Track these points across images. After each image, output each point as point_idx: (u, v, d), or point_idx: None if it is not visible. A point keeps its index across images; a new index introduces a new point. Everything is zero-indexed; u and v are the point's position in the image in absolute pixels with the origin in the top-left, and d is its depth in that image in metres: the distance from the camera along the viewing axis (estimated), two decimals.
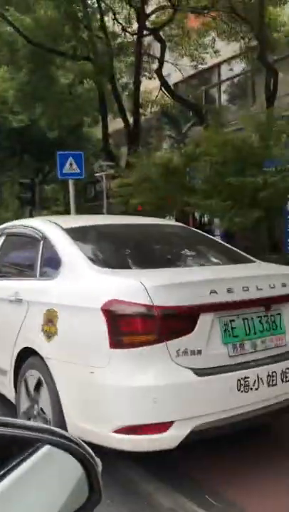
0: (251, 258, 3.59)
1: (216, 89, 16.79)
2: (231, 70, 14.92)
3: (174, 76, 15.91)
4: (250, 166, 7.97)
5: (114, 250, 3.35)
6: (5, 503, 0.68)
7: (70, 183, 11.82)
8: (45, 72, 13.35)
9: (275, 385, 2.70)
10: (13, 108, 17.73)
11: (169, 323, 2.47)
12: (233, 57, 14.04)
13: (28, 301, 3.06)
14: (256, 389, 2.61)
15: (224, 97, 16.45)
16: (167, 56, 14.22)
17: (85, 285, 2.78)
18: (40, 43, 12.47)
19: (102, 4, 13.34)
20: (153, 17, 13.90)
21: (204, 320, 2.55)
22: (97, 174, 13.72)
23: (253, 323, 2.76)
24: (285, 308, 2.93)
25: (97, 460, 0.76)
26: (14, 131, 20.02)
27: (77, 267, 2.88)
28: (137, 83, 13.36)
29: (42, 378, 2.78)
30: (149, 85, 15.47)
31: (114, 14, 13.87)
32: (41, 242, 3.24)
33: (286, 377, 2.77)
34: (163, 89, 14.56)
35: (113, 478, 2.55)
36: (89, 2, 12.88)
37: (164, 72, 14.15)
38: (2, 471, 0.70)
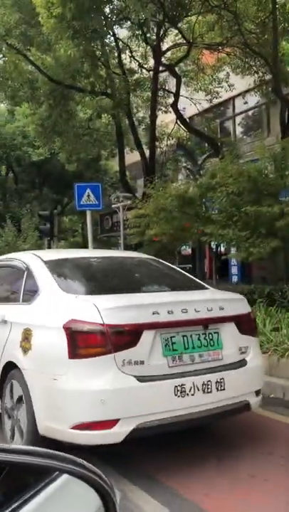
0: (205, 285, 4.12)
1: (230, 121, 17.05)
2: (246, 103, 15.15)
3: (189, 109, 16.26)
4: (266, 196, 8.00)
5: (82, 279, 3.86)
6: None
7: (88, 214, 12.00)
8: (65, 108, 13.77)
9: (210, 392, 3.17)
10: (34, 142, 18.28)
11: (117, 338, 2.95)
12: (247, 91, 14.29)
13: (11, 322, 3.59)
14: (192, 395, 3.09)
15: (239, 129, 16.69)
16: (183, 91, 14.56)
17: (53, 308, 3.33)
18: (59, 80, 12.93)
19: (120, 42, 13.83)
20: (169, 54, 14.33)
21: (147, 336, 3.03)
22: (114, 205, 13.90)
23: (192, 339, 3.23)
24: (223, 327, 3.41)
25: (116, 491, 0.75)
26: (34, 165, 20.60)
27: (49, 293, 3.45)
28: (153, 117, 13.67)
29: (17, 385, 3.31)
30: (165, 119, 15.81)
31: (131, 52, 14.34)
32: (25, 272, 3.81)
33: (221, 386, 3.22)
34: (179, 122, 14.85)
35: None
36: (107, 41, 13.36)
37: (180, 106, 14.47)
38: (20, 501, 0.69)
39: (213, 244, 10.55)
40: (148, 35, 13.29)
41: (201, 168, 12.94)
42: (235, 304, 3.69)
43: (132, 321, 3.02)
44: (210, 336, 3.32)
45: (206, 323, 3.31)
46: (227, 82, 14.25)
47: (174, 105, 13.88)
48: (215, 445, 3.60)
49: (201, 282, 4.27)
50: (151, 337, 3.05)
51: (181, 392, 3.06)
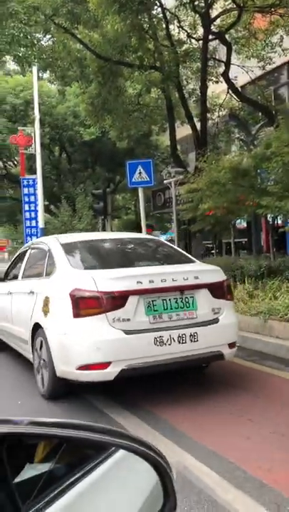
0: (193, 260, 4.96)
1: (285, 88, 16.30)
2: None
3: (241, 78, 15.67)
4: None
5: (88, 257, 4.88)
6: (82, 505, 0.70)
7: (140, 191, 12.01)
8: (114, 84, 13.70)
9: (185, 343, 4.02)
10: (85, 121, 18.40)
11: (108, 302, 3.86)
12: None
13: (36, 292, 4.62)
14: (169, 344, 3.96)
15: None
16: (234, 59, 14.04)
17: (63, 280, 4.25)
18: (108, 57, 12.85)
19: (167, 13, 13.48)
20: (218, 21, 13.81)
21: (132, 300, 3.93)
22: (166, 181, 13.79)
23: (170, 302, 4.11)
24: (198, 292, 4.24)
25: (171, 466, 0.76)
26: (86, 144, 20.78)
27: (62, 269, 4.42)
28: (204, 88, 13.30)
29: (44, 340, 4.27)
30: (216, 89, 15.35)
31: (179, 22, 13.96)
32: (47, 253, 4.82)
33: (194, 338, 4.06)
34: (230, 92, 14.39)
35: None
36: (154, 12, 13.06)
37: (231, 74, 13.97)
38: (78, 475, 0.72)
39: (269, 217, 10.24)
40: (196, 2, 12.84)
41: (255, 139, 12.51)
42: (210, 274, 4.52)
43: (120, 289, 3.92)
44: (186, 299, 4.19)
45: (182, 289, 4.17)
46: (281, 46, 13.58)
47: (225, 74, 13.43)
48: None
49: (191, 257, 5.10)
50: (136, 300, 3.95)
51: (160, 342, 3.94)
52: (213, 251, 17.49)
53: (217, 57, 14.86)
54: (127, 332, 3.88)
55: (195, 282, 4.25)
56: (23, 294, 5.03)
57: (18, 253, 6.39)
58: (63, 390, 4.23)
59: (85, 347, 3.88)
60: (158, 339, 3.94)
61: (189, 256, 5.17)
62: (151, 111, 16.92)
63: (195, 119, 13.97)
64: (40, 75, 19.32)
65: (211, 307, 4.30)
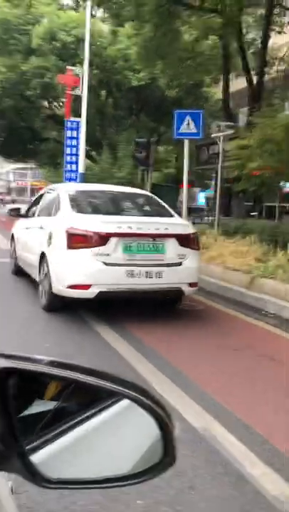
0: (173, 214, 5.89)
1: None
2: None
3: None
4: None
5: (86, 204, 5.84)
6: (78, 447, 0.74)
7: (186, 143, 11.56)
8: (170, 27, 12.96)
9: (152, 278, 5.09)
10: (134, 66, 17.70)
11: (94, 240, 4.95)
12: None
13: (44, 228, 5.77)
14: (138, 277, 5.04)
15: None
16: None
17: (64, 220, 5.32)
18: None
19: None
20: None
21: (112, 240, 4.99)
22: (215, 135, 13.21)
23: (143, 246, 5.14)
24: (167, 241, 5.24)
25: (175, 423, 0.76)
26: (133, 90, 20.10)
27: (64, 211, 5.51)
28: (266, 38, 12.43)
29: (46, 265, 5.43)
30: (279, 41, 14.35)
31: None
32: (57, 197, 5.89)
33: (159, 275, 5.10)
34: None
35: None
36: None
37: None
38: (80, 417, 0.74)
39: None
40: None
41: None
42: (179, 227, 5.59)
43: (104, 230, 5.00)
44: (156, 245, 5.21)
45: (154, 236, 5.19)
46: None
47: None
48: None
49: (172, 212, 5.96)
50: (115, 241, 5.01)
51: (130, 275, 5.02)
52: (253, 213, 16.97)
53: (284, 4, 13.78)
54: (106, 264, 5.01)
55: (165, 232, 5.31)
56: (36, 229, 6.24)
57: (37, 195, 7.59)
58: (59, 305, 5.37)
59: (73, 271, 5.06)
60: (129, 272, 5.04)
61: (171, 211, 6.03)
62: (206, 60, 16.06)
63: (252, 72, 13.17)
64: (93, 12, 18.55)
65: (177, 253, 5.31)
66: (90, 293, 4.97)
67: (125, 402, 0.74)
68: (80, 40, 18.53)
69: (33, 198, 7.74)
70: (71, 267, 5.03)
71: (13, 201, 45.86)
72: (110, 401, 0.75)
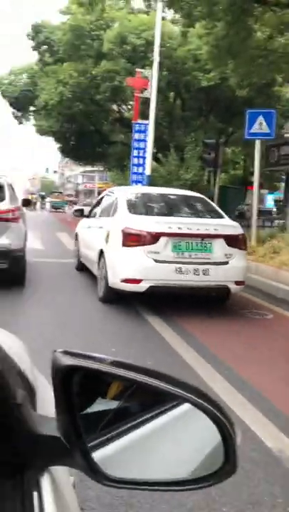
0: (223, 216, 6.26)
1: None
2: None
3: None
4: None
5: (141, 205, 6.28)
6: (138, 448, 0.75)
7: (257, 143, 11.20)
8: (243, 25, 12.61)
9: (198, 275, 5.47)
10: (205, 66, 17.47)
11: (146, 239, 5.40)
12: None
13: (103, 227, 6.31)
14: (186, 274, 5.45)
15: None
16: None
17: (120, 220, 5.78)
18: None
19: None
20: None
21: (162, 239, 5.44)
22: (288, 135, 12.69)
23: (192, 245, 5.53)
24: (215, 241, 5.59)
25: (238, 430, 0.73)
26: (202, 91, 19.86)
27: (121, 212, 5.98)
28: None
29: (103, 261, 5.95)
30: None
31: None
32: (115, 200, 6.43)
33: (206, 273, 5.46)
34: None
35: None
36: None
37: None
38: (142, 418, 0.75)
39: None
40: None
41: None
42: (227, 228, 5.88)
43: (155, 230, 5.47)
44: (204, 244, 5.58)
45: (202, 237, 5.57)
46: None
47: None
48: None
49: (222, 214, 6.34)
50: (165, 240, 5.47)
51: (179, 271, 5.45)
52: None
53: None
54: (156, 261, 5.46)
55: (214, 233, 5.68)
56: (96, 228, 6.81)
57: (99, 197, 8.27)
58: (114, 297, 5.87)
59: (126, 267, 5.54)
60: (178, 269, 5.47)
61: (221, 213, 6.43)
62: (279, 58, 15.46)
63: None
64: (164, 14, 18.55)
65: (224, 252, 5.66)
66: (141, 287, 5.50)
67: (186, 405, 0.74)
68: (149, 43, 18.61)
69: (95, 200, 8.67)
70: (125, 262, 5.57)
71: (74, 203, 47.23)
72: (171, 404, 0.76)
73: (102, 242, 6.12)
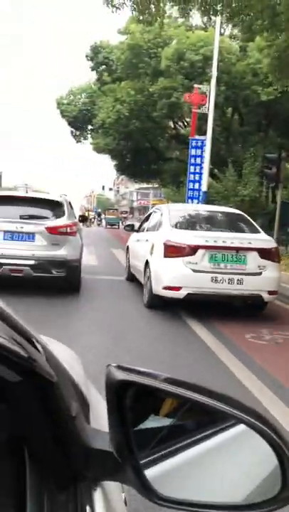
0: (258, 231, 6.81)
1: None
2: None
3: None
4: None
5: (182, 220, 6.81)
6: (192, 469, 0.73)
7: None
8: None
9: (233, 284, 6.02)
10: (264, 80, 17.00)
11: (184, 251, 5.99)
12: None
13: (149, 240, 6.84)
14: (221, 283, 6.02)
15: None
16: None
17: (163, 234, 6.37)
18: None
19: None
20: None
21: (200, 251, 6.02)
22: None
23: (227, 257, 6.10)
24: (249, 253, 6.14)
25: None
26: (262, 105, 19.35)
27: (165, 226, 6.56)
28: None
29: (148, 270, 6.52)
30: None
31: None
32: (161, 215, 6.95)
33: (240, 282, 6.02)
34: None
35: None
36: None
37: None
38: (195, 437, 0.74)
39: None
40: None
41: None
42: (261, 242, 6.33)
43: (193, 243, 5.99)
44: (239, 256, 6.05)
45: (237, 249, 6.04)
46: None
47: None
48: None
49: (258, 229, 6.88)
50: (203, 252, 5.99)
51: (215, 281, 5.94)
52: None
53: None
54: (194, 271, 6.00)
55: (247, 246, 6.15)
56: (144, 241, 7.36)
57: (147, 214, 8.86)
58: (158, 303, 6.44)
59: (168, 275, 6.08)
60: (214, 278, 6.00)
61: (257, 228, 6.95)
62: None
63: None
64: (222, 30, 18.34)
65: (257, 264, 6.14)
66: (180, 294, 6.06)
67: (242, 427, 0.71)
68: (207, 58, 18.41)
69: (144, 216, 9.50)
70: (166, 272, 6.14)
71: (125, 218, 49.13)
72: (226, 424, 0.74)
73: (148, 253, 6.76)
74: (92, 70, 26.35)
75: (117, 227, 44.48)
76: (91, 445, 0.72)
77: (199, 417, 0.75)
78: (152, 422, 0.75)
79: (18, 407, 0.67)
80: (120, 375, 0.70)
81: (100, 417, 0.88)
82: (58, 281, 7.15)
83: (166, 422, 0.75)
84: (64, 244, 7.10)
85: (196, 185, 20.35)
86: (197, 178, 20.46)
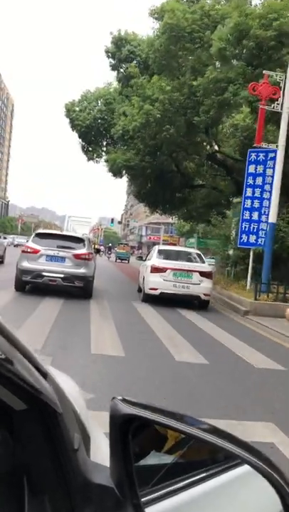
0: (204, 261, 12.80)
1: None
2: None
3: None
4: None
5: (163, 254, 12.64)
6: (198, 509, 0.73)
7: None
8: None
9: (184, 288, 11.67)
10: None
11: (160, 269, 11.89)
12: None
13: (146, 265, 12.97)
14: (178, 288, 11.73)
15: None
16: None
17: (152, 261, 12.43)
18: None
19: None
20: None
21: (169, 270, 11.88)
22: None
23: (182, 274, 11.79)
24: (194, 273, 11.76)
25: None
26: None
27: (154, 257, 12.59)
28: None
29: (143, 281, 12.71)
30: None
31: None
32: (153, 251, 13.55)
33: (188, 288, 11.69)
34: None
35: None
36: None
37: None
38: (198, 477, 0.74)
39: None
40: None
41: None
42: (201, 267, 11.99)
43: (165, 266, 11.76)
44: (188, 274, 11.63)
45: (187, 271, 11.66)
46: None
47: None
48: None
49: (204, 260, 12.70)
50: (170, 271, 11.69)
51: (175, 286, 11.56)
52: None
53: None
54: (165, 280, 11.43)
55: (193, 269, 11.62)
56: (144, 266, 12.86)
57: (150, 250, 15.38)
58: (148, 299, 11.68)
59: (151, 282, 11.53)
60: (174, 285, 11.43)
61: (204, 260, 12.77)
62: None
63: None
64: None
65: (198, 279, 11.44)
66: (157, 292, 11.48)
67: (246, 468, 0.69)
68: (284, 34, 12.90)
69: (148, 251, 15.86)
70: (150, 281, 11.63)
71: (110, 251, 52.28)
72: (230, 464, 0.73)
73: (144, 272, 12.49)
74: (114, 69, 21.08)
75: (127, 261, 43.87)
76: (92, 479, 0.70)
77: (203, 454, 0.74)
78: (154, 458, 0.75)
79: (21, 435, 0.67)
80: (125, 409, 0.69)
81: (98, 450, 0.85)
82: (78, 290, 11.12)
83: (169, 458, 0.75)
84: (83, 265, 11.12)
85: (255, 215, 14.48)
86: (257, 205, 14.59)
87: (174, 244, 51.16)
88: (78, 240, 11.63)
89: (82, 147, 23.49)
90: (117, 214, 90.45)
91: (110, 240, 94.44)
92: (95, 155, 23.65)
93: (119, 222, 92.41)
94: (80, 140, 23.00)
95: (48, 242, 11.12)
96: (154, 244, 70.37)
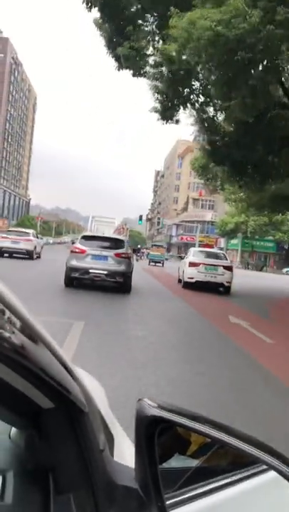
0: (227, 258, 20.16)
1: None
2: None
3: None
4: None
5: (199, 254, 20.12)
6: None
7: None
8: None
9: (213, 277, 18.08)
10: None
11: (195, 264, 18.46)
12: None
13: (184, 261, 20.30)
14: (209, 277, 18.40)
15: None
16: None
17: (189, 258, 19.33)
18: None
19: None
20: None
21: (201, 265, 18.50)
22: None
23: (211, 268, 18.36)
24: (220, 268, 18.49)
25: None
26: None
27: (190, 256, 19.62)
28: None
29: (182, 272, 19.86)
30: None
31: None
32: (189, 251, 21.17)
33: (215, 277, 18.14)
34: None
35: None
36: None
37: None
38: (223, 482, 0.73)
39: None
40: None
41: None
42: (225, 263, 18.62)
43: (199, 261, 18.24)
44: (216, 268, 17.90)
45: (215, 265, 17.98)
46: None
47: None
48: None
49: (227, 257, 20.19)
50: (203, 265, 18.06)
51: (206, 276, 17.87)
52: None
53: None
54: (198, 272, 17.77)
55: (218, 264, 17.91)
56: (183, 262, 19.87)
57: (187, 250, 23.36)
58: (188, 285, 17.96)
59: (189, 273, 17.96)
60: (206, 275, 17.64)
61: (227, 257, 20.05)
62: None
63: None
64: None
65: (222, 271, 17.67)
66: (193, 280, 17.63)
67: (272, 474, 0.68)
68: None
69: (187, 251, 21.95)
70: (189, 272, 17.76)
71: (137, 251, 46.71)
72: (257, 470, 0.72)
73: (183, 266, 18.98)
74: None
75: (161, 264, 41.31)
76: (116, 480, 0.70)
77: (229, 459, 0.73)
78: (179, 462, 0.75)
79: (48, 433, 0.68)
80: (152, 411, 0.69)
81: (122, 451, 0.86)
82: (118, 285, 13.20)
83: (192, 462, 0.75)
84: (123, 263, 13.01)
85: None
86: None
87: (211, 246, 46.23)
88: (118, 241, 14.29)
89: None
90: (142, 215, 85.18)
91: (135, 241, 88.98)
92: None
93: (148, 220, 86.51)
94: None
95: (92, 243, 13.47)
96: (186, 245, 64.54)
